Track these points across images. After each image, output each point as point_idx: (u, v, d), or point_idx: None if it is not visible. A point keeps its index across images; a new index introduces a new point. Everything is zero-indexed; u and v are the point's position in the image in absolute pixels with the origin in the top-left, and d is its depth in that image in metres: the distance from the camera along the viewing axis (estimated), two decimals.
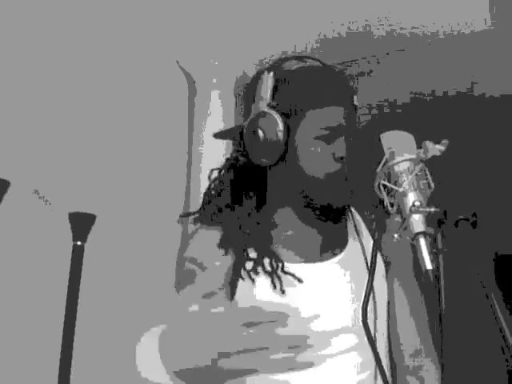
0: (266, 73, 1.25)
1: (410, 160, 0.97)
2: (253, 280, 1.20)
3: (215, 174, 1.37)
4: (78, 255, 2.31)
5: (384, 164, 1.00)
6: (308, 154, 1.21)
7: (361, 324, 1.04)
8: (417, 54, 2.95)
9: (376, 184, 1.00)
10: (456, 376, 0.90)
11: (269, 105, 1.22)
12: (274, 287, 1.18)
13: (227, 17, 2.89)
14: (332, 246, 1.26)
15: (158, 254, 2.79)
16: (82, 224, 2.35)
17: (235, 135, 1.33)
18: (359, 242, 1.26)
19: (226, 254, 1.23)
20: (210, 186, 1.35)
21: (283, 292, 1.17)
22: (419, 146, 0.99)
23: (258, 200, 1.30)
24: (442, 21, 2.78)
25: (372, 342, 1.05)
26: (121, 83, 2.77)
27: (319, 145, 1.20)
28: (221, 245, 1.24)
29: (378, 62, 2.92)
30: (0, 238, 2.17)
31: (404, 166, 0.97)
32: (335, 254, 1.25)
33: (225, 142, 3.13)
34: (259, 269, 1.20)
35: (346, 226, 1.31)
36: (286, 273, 1.19)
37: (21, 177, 2.20)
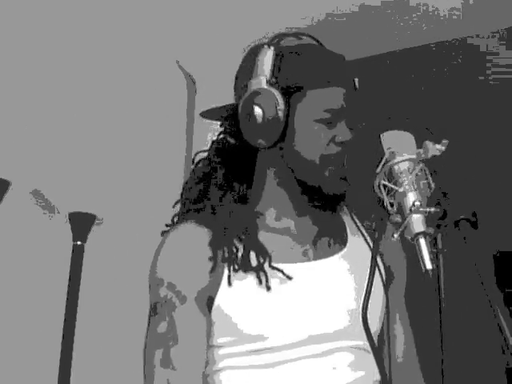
0: (265, 47, 1.19)
1: (410, 160, 0.97)
2: (229, 280, 1.11)
3: (201, 157, 1.29)
4: (78, 255, 2.31)
5: (384, 164, 1.00)
6: (307, 136, 1.15)
7: (358, 326, 1.04)
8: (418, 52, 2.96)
9: (376, 184, 1.00)
10: (456, 375, 0.90)
11: (268, 82, 1.15)
12: (260, 283, 1.09)
13: (227, 17, 2.89)
14: (331, 241, 1.20)
15: None
16: (82, 224, 2.35)
17: (226, 114, 1.28)
18: (361, 238, 1.21)
19: (214, 252, 1.13)
20: (193, 170, 1.27)
21: (268, 288, 1.09)
22: (419, 146, 0.99)
23: (247, 186, 1.23)
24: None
25: (372, 341, 1.04)
26: (121, 83, 2.77)
27: (320, 128, 1.15)
28: (211, 245, 1.14)
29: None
30: (0, 238, 2.17)
31: (404, 165, 0.97)
32: (335, 251, 1.19)
33: None
34: (246, 265, 1.12)
35: (344, 222, 1.25)
36: (273, 268, 1.11)
37: (21, 177, 2.20)
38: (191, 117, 3.20)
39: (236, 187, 1.22)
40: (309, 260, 1.17)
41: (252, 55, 1.21)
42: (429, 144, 0.97)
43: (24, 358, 2.15)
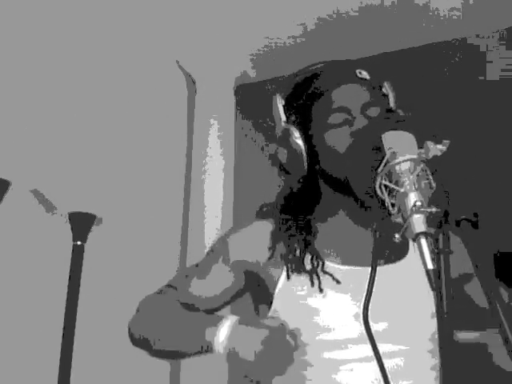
0: (274, 97, 1.30)
1: (411, 160, 0.97)
2: (288, 277, 1.21)
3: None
4: (78, 255, 2.31)
5: (385, 164, 1.00)
6: (326, 143, 1.22)
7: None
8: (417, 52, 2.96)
9: (377, 184, 1.00)
10: (456, 376, 0.90)
11: (285, 122, 1.27)
12: (312, 285, 1.19)
13: (227, 16, 2.89)
14: (388, 252, 1.24)
15: (157, 253, 2.79)
16: (82, 224, 2.35)
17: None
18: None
19: (273, 246, 1.24)
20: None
21: (321, 291, 1.18)
22: (420, 146, 0.99)
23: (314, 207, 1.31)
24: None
25: (372, 340, 1.04)
26: (121, 83, 2.77)
27: (332, 131, 1.21)
28: (272, 237, 1.25)
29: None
30: (0, 238, 2.17)
31: (405, 166, 0.97)
32: (391, 261, 1.23)
33: (225, 141, 3.14)
34: (300, 268, 1.21)
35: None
36: (325, 272, 1.20)
37: (21, 177, 2.20)
38: (191, 116, 3.20)
39: (307, 206, 1.32)
40: (363, 266, 1.21)
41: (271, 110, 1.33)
42: (430, 144, 0.97)
43: (24, 357, 2.15)
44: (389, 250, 1.23)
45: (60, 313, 2.23)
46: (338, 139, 1.20)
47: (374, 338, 1.05)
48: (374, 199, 1.11)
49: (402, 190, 0.95)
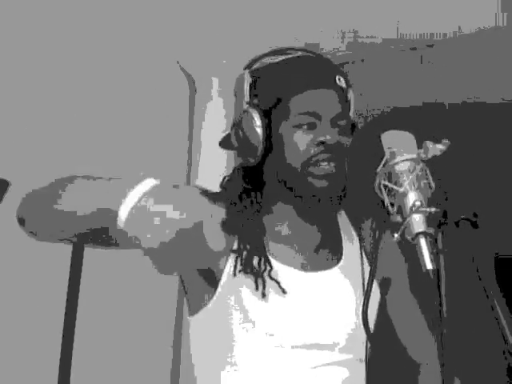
0: (244, 73, 1.22)
1: (411, 160, 0.97)
2: (234, 274, 1.16)
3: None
4: (77, 255, 2.31)
5: (384, 164, 1.00)
6: (288, 143, 1.17)
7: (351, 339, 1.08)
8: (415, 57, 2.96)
9: (376, 184, 1.00)
10: (456, 375, 0.90)
11: (248, 103, 1.19)
12: (257, 289, 1.14)
13: (227, 16, 2.89)
14: (329, 253, 1.23)
15: None
16: None
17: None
18: (356, 247, 1.24)
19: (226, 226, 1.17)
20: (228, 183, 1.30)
21: (264, 295, 1.13)
22: (420, 146, 0.99)
23: (257, 201, 1.24)
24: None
25: (371, 337, 1.05)
26: (121, 83, 2.77)
27: (299, 133, 1.17)
28: (225, 228, 1.17)
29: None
30: (0, 238, 2.17)
31: (404, 165, 0.97)
32: (332, 264, 1.22)
33: None
34: (247, 269, 1.15)
35: (341, 231, 1.27)
36: (271, 278, 1.15)
37: (21, 177, 2.20)
38: (192, 117, 3.20)
39: (251, 201, 1.24)
40: (307, 271, 1.20)
41: (238, 83, 1.25)
42: (429, 144, 0.97)
43: (24, 357, 2.15)
44: (327, 252, 1.22)
45: (60, 313, 2.23)
46: (298, 140, 1.16)
47: (319, 348, 1.10)
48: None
49: (402, 190, 0.95)
